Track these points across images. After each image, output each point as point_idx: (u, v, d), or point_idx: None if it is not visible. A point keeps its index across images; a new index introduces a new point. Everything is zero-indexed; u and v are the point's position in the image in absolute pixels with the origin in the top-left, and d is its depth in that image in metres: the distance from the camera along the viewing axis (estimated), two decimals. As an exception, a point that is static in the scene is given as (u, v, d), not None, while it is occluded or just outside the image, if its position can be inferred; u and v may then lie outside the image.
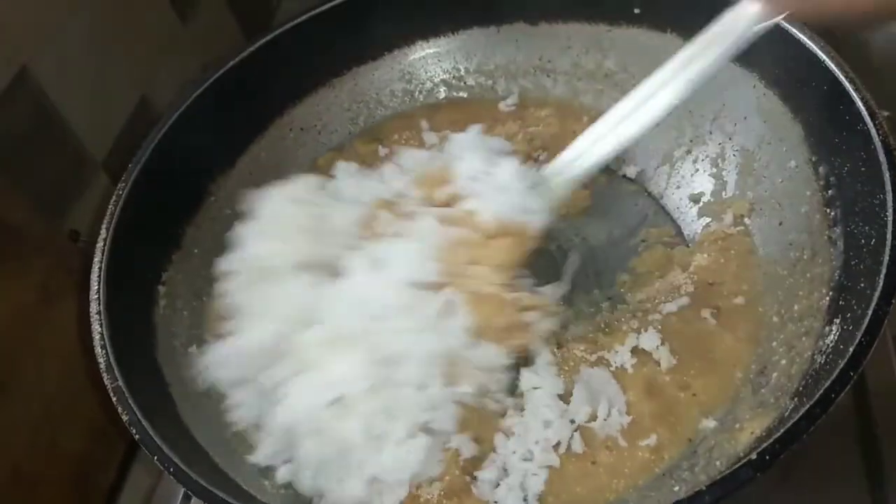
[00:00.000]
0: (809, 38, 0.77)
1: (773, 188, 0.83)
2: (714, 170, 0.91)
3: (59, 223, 0.86)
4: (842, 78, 0.74)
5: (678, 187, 0.93)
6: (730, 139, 0.89)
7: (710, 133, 0.91)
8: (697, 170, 0.92)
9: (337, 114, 1.04)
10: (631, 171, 0.96)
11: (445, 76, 1.07)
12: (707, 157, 0.91)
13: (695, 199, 0.91)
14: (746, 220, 0.86)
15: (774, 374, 0.70)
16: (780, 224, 0.81)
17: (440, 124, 1.03)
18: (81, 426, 0.86)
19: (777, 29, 0.79)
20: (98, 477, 0.89)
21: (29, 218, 0.79)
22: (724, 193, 0.89)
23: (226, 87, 0.94)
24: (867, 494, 0.75)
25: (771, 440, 0.55)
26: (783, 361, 0.71)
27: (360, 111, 1.05)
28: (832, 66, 0.75)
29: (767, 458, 0.54)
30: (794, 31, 0.78)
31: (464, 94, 1.07)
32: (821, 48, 0.76)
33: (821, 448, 0.76)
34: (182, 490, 0.87)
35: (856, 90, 0.72)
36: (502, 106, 1.04)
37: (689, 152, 0.93)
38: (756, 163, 0.86)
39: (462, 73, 1.06)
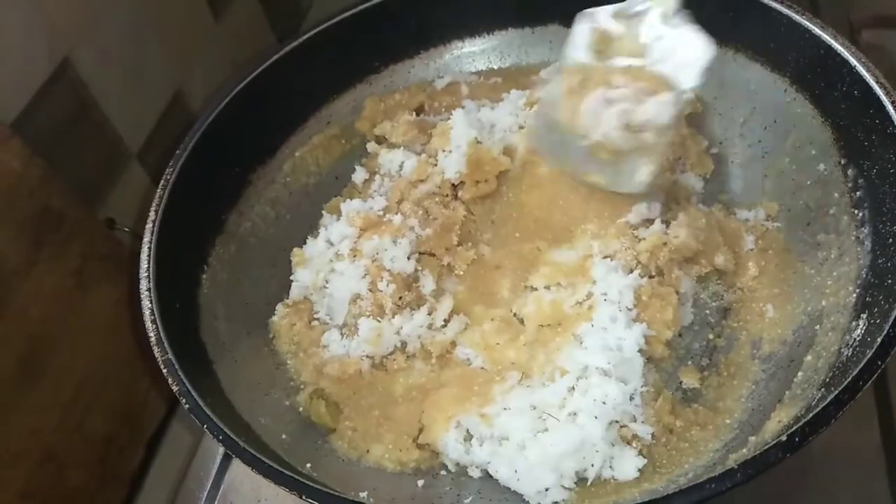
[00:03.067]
0: (841, 45, 0.79)
1: (802, 190, 0.85)
2: (744, 171, 0.92)
3: (96, 211, 0.88)
4: (872, 83, 0.75)
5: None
6: (759, 142, 0.91)
7: (741, 136, 0.93)
8: (727, 172, 0.94)
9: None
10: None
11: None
12: (737, 158, 0.93)
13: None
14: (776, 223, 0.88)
15: (802, 368, 0.72)
16: (808, 225, 0.83)
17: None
18: (110, 410, 0.88)
19: (809, 35, 0.82)
20: (125, 458, 0.91)
21: (68, 204, 0.81)
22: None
23: (268, 81, 0.96)
24: (888, 493, 0.77)
25: (800, 424, 0.57)
26: (809, 357, 0.73)
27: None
28: (863, 71, 0.77)
29: (797, 440, 0.56)
30: (825, 37, 0.81)
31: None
32: (852, 54, 0.78)
33: (843, 447, 0.78)
34: (211, 478, 0.90)
35: (886, 94, 0.74)
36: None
37: (718, 155, 0.95)
38: (785, 165, 0.88)
39: (496, 72, 1.08)
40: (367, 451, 0.78)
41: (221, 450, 0.91)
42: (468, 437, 0.75)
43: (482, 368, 0.81)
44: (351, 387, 0.82)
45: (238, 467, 0.90)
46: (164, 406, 0.98)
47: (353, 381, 0.82)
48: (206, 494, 0.89)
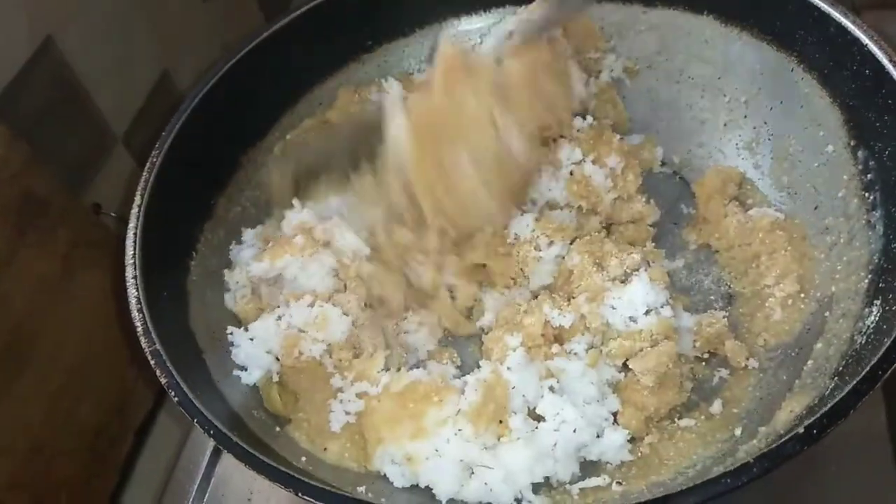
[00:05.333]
0: (852, 22, 0.77)
1: (809, 172, 0.83)
2: (748, 154, 0.91)
3: (81, 196, 0.86)
4: (885, 61, 0.73)
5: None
6: (765, 123, 0.89)
7: (745, 117, 0.91)
8: (732, 154, 0.92)
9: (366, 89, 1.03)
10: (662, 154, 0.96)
11: (476, 54, 1.06)
12: (742, 140, 0.91)
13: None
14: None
15: (812, 356, 0.70)
16: (816, 208, 0.81)
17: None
18: (98, 398, 0.86)
19: (818, 13, 0.79)
20: (114, 449, 0.90)
21: (52, 189, 0.79)
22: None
23: (256, 60, 0.93)
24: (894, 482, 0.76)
25: (818, 415, 0.55)
26: (819, 344, 0.71)
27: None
28: (875, 49, 0.74)
29: (815, 432, 0.54)
30: (835, 14, 0.78)
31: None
32: (864, 31, 0.76)
33: (850, 435, 0.76)
34: (201, 470, 0.88)
35: (900, 73, 0.72)
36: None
37: (723, 137, 0.93)
38: (792, 147, 0.86)
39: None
40: (325, 448, 0.75)
41: (211, 442, 0.89)
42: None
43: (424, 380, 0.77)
44: (307, 377, 0.78)
45: (229, 459, 0.87)
46: (153, 395, 0.96)
47: (309, 372, 0.78)
48: (196, 487, 0.87)
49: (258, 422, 0.73)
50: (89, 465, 0.85)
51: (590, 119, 0.91)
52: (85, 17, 0.84)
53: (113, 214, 0.88)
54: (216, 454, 0.89)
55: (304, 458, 0.70)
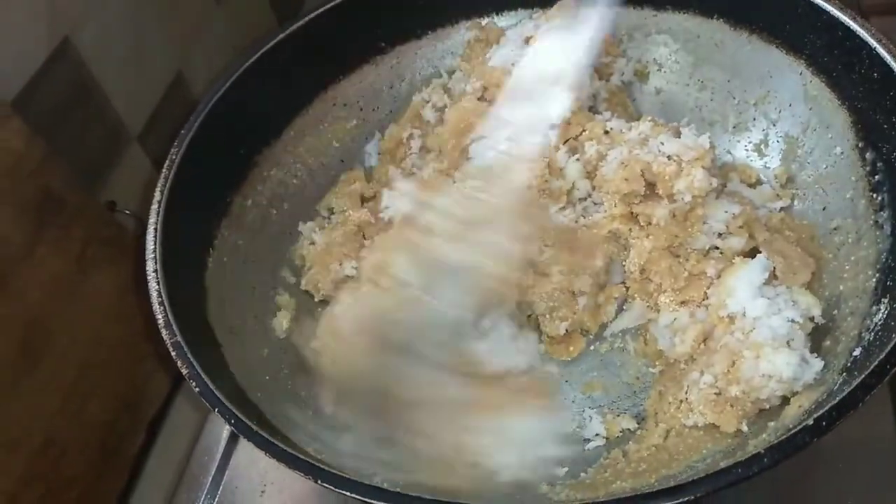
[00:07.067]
0: (861, 26, 0.78)
1: (818, 174, 0.84)
2: (757, 156, 0.91)
3: (96, 194, 0.86)
4: (893, 64, 0.74)
5: (720, 173, 0.94)
6: (774, 125, 0.90)
7: (754, 119, 0.92)
8: (741, 156, 0.93)
9: (379, 90, 1.05)
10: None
11: (488, 56, 1.07)
12: (751, 142, 0.92)
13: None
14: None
15: (820, 352, 0.71)
16: (824, 209, 0.82)
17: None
18: (110, 395, 0.86)
19: (826, 16, 0.80)
20: (125, 444, 0.90)
21: (68, 187, 0.79)
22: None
23: (273, 60, 0.94)
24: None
25: (827, 408, 0.56)
26: (827, 341, 0.72)
27: (402, 89, 1.05)
28: (883, 52, 0.75)
29: (824, 424, 0.55)
30: (844, 18, 0.79)
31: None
32: (872, 35, 0.77)
33: (855, 436, 0.78)
34: (216, 463, 0.89)
35: (908, 76, 0.73)
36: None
37: (732, 139, 0.94)
38: (800, 149, 0.87)
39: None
40: None
41: (225, 435, 0.90)
42: None
43: None
44: None
45: (242, 453, 0.89)
46: (166, 391, 0.96)
47: None
48: (210, 479, 0.88)
49: (275, 412, 0.73)
50: (101, 461, 0.85)
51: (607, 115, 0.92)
52: (101, 17, 0.85)
53: (127, 212, 0.89)
54: (230, 447, 0.89)
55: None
